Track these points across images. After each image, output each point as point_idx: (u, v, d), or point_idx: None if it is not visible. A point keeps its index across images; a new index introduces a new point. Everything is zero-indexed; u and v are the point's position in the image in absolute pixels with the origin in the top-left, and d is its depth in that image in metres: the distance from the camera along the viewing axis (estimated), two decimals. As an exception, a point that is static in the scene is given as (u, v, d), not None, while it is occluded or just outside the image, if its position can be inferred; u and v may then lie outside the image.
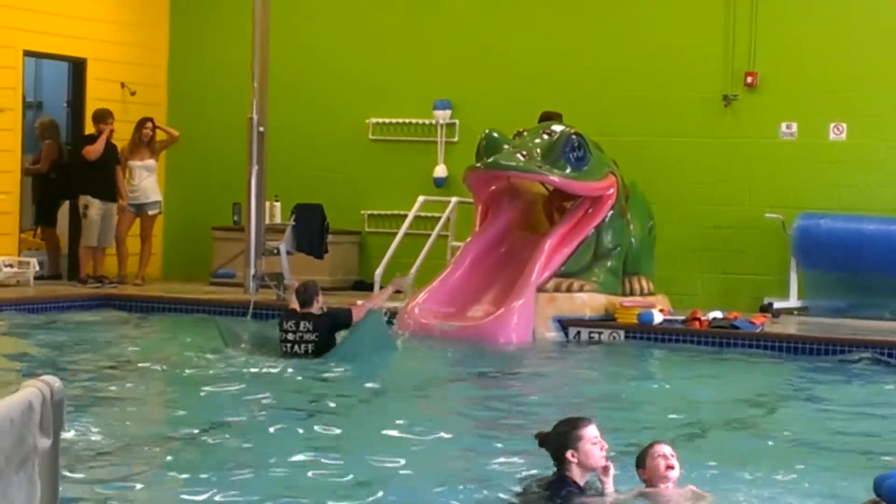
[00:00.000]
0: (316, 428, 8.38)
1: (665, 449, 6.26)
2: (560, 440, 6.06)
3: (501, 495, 6.31)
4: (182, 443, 7.73)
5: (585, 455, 6.02)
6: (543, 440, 6.14)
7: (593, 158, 14.20)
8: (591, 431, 6.05)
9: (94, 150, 16.02)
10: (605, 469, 6.10)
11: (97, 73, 17.37)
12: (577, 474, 6.04)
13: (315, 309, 11.46)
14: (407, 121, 17.41)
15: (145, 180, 16.40)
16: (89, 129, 16.54)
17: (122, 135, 16.50)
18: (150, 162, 16.49)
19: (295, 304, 11.56)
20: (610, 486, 6.10)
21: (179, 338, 12.91)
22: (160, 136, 16.83)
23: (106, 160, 16.08)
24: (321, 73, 17.69)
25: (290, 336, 11.33)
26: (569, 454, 6.01)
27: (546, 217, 14.69)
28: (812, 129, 15.82)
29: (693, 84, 16.17)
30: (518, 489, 6.34)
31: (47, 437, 3.31)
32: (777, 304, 14.92)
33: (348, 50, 17.60)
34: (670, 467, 6.19)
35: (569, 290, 13.83)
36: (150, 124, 16.53)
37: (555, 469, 6.13)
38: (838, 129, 15.72)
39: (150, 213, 16.50)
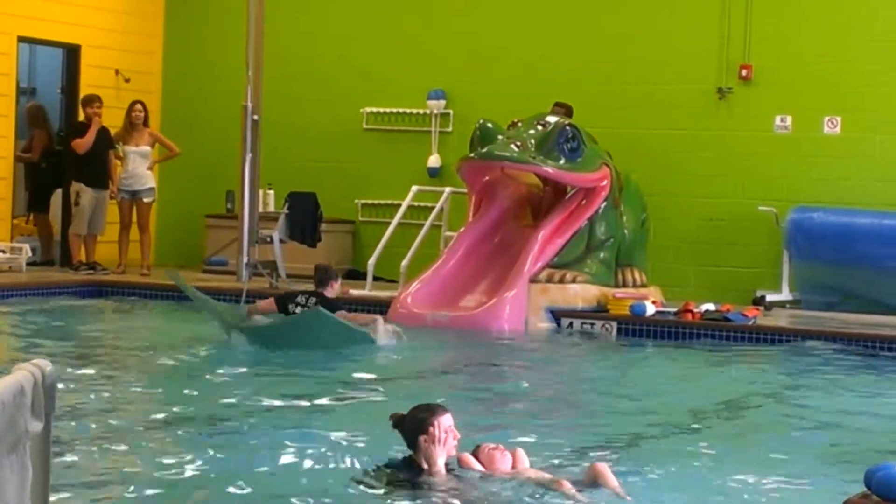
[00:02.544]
0: (302, 416, 8.41)
1: (489, 445, 6.47)
2: (415, 425, 6.22)
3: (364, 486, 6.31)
4: (169, 428, 7.73)
5: (438, 442, 6.18)
6: (398, 422, 6.31)
7: (587, 150, 14.20)
8: (446, 420, 6.21)
9: (83, 144, 15.97)
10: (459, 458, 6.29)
11: (91, 59, 17.36)
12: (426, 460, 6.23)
13: (330, 293, 11.50)
14: (401, 110, 17.41)
15: (139, 167, 16.32)
16: (82, 115, 16.50)
17: (116, 122, 16.46)
18: (145, 148, 16.38)
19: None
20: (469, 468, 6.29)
21: (170, 325, 12.92)
22: (161, 151, 16.80)
23: (98, 148, 16.03)
24: (316, 62, 17.69)
25: (298, 309, 11.39)
26: (422, 440, 6.17)
27: (532, 211, 14.69)
28: (806, 123, 15.83)
29: (688, 76, 16.17)
30: (369, 470, 6.44)
31: (39, 421, 3.31)
32: (769, 297, 14.94)
33: (343, 39, 17.59)
34: (501, 451, 6.41)
35: (561, 280, 13.84)
36: (139, 106, 16.43)
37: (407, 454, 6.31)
38: (832, 122, 15.74)
39: (146, 200, 16.37)
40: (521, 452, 6.50)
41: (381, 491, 6.12)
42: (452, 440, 6.22)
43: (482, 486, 6.19)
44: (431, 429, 6.16)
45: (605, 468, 6.33)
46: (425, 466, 6.18)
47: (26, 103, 17.89)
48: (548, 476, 6.36)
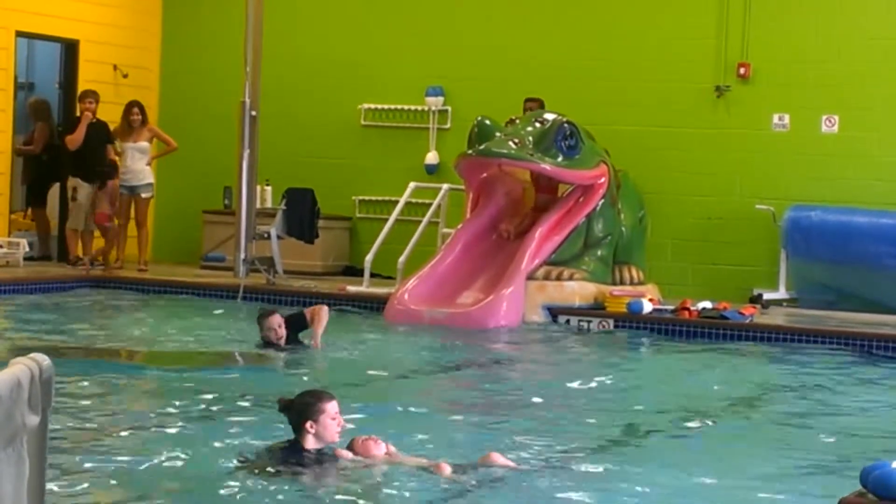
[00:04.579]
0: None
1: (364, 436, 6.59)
2: (301, 410, 6.38)
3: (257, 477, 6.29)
4: (164, 425, 7.73)
5: (323, 427, 6.36)
6: (285, 407, 6.47)
7: (585, 147, 14.21)
8: (332, 407, 6.39)
9: (74, 140, 15.92)
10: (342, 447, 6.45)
11: (89, 54, 17.34)
12: (311, 444, 6.36)
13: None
14: (399, 107, 17.40)
15: (137, 162, 16.28)
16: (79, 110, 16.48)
17: (114, 117, 16.44)
18: (143, 144, 16.31)
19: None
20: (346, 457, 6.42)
21: (168, 321, 12.90)
22: (159, 147, 16.75)
23: (94, 142, 15.99)
24: (314, 58, 17.67)
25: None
26: (308, 425, 6.34)
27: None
28: (804, 122, 15.83)
29: (686, 75, 16.17)
30: (252, 456, 6.50)
31: (36, 415, 3.31)
32: (766, 295, 14.94)
33: (341, 35, 17.58)
34: (375, 441, 6.52)
35: (559, 278, 13.84)
36: (136, 109, 16.35)
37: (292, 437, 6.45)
38: (830, 121, 15.74)
39: (144, 195, 16.31)
40: (390, 445, 6.61)
41: (264, 473, 6.21)
42: (337, 427, 6.39)
43: (362, 468, 6.34)
44: (320, 416, 6.31)
45: (497, 455, 6.56)
46: (308, 450, 6.32)
47: (27, 98, 17.89)
48: (425, 460, 6.51)
